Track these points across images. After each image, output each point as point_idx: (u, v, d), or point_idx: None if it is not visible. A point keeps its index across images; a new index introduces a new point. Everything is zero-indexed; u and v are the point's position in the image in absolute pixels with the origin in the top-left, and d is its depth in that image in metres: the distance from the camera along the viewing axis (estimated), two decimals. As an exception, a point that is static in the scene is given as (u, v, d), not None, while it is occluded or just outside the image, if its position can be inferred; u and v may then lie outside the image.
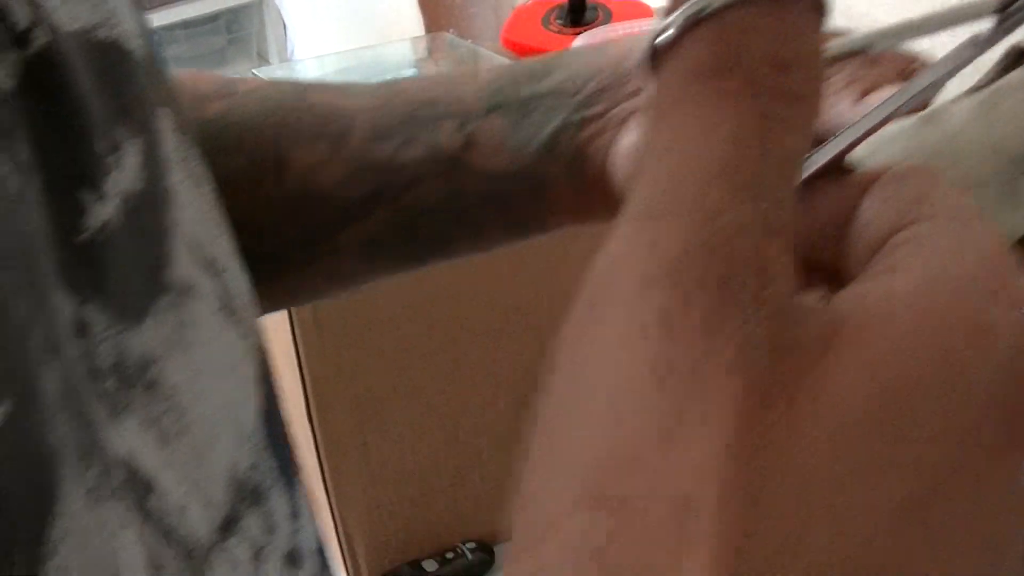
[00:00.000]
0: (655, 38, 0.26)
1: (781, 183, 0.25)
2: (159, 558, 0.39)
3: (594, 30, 1.88)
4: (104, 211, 0.40)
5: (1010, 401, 0.24)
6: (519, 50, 1.88)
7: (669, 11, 0.26)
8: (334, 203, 0.62)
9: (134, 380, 0.40)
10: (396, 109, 0.62)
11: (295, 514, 0.49)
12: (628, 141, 0.57)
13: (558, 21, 1.98)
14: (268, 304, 0.63)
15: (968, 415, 0.23)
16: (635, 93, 0.57)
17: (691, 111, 0.25)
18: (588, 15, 1.99)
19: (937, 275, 0.25)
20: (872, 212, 0.27)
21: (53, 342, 0.36)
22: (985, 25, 0.31)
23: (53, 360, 0.35)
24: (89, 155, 0.40)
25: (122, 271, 0.40)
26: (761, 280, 0.23)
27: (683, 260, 0.24)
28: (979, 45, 0.30)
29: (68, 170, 0.39)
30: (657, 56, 0.26)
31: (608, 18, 1.97)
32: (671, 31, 0.26)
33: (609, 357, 0.24)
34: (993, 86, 0.39)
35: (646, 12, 2.02)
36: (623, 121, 0.58)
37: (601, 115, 0.58)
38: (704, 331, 0.23)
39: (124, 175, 0.41)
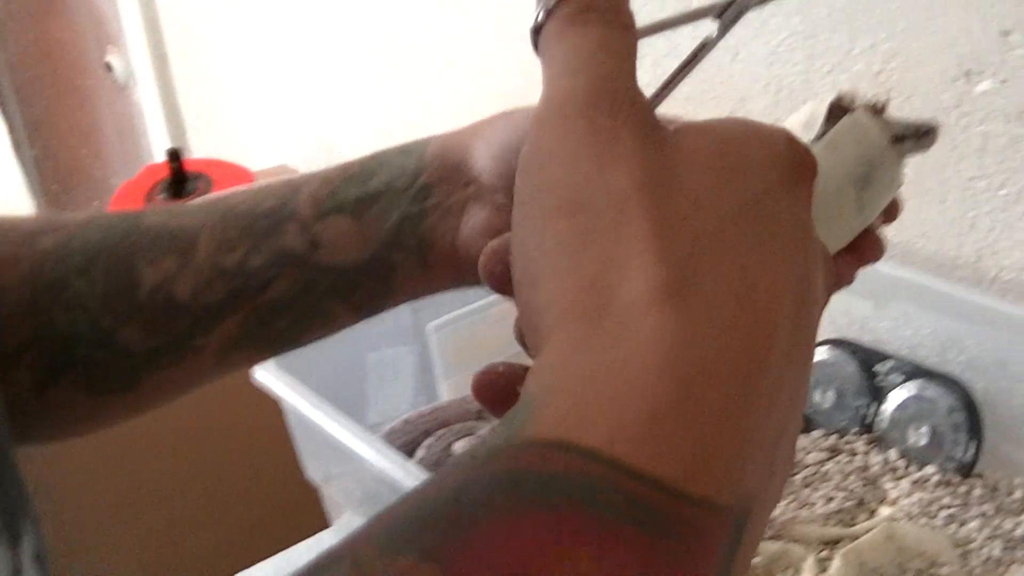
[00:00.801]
0: (535, 26, 0.45)
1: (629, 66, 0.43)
2: None
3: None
4: None
5: (781, 166, 0.42)
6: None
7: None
8: (190, 312, 0.67)
9: None
10: (236, 221, 0.67)
11: (17, 570, 0.54)
12: (474, 224, 0.66)
13: (161, 195, 2.08)
14: (129, 410, 0.73)
15: (758, 164, 0.42)
16: (468, 183, 0.66)
17: (570, 38, 0.44)
18: (190, 185, 2.10)
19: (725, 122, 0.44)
20: None
21: None
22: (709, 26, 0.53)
23: None
24: None
25: None
26: (632, 98, 0.42)
27: (590, 97, 0.42)
28: (710, 44, 0.52)
29: None
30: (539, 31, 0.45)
31: (209, 187, 2.10)
32: (541, 15, 0.45)
33: (559, 142, 0.41)
34: (829, 134, 0.57)
35: (246, 176, 2.12)
36: (463, 208, 0.66)
37: (440, 205, 0.65)
38: (610, 119, 0.41)
39: None
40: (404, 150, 0.69)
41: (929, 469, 1.32)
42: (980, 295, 1.29)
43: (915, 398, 1.33)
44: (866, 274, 1.29)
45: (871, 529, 1.22)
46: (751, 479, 0.37)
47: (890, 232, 1.47)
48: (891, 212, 0.64)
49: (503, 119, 0.67)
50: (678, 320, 0.37)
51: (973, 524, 1.24)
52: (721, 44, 0.53)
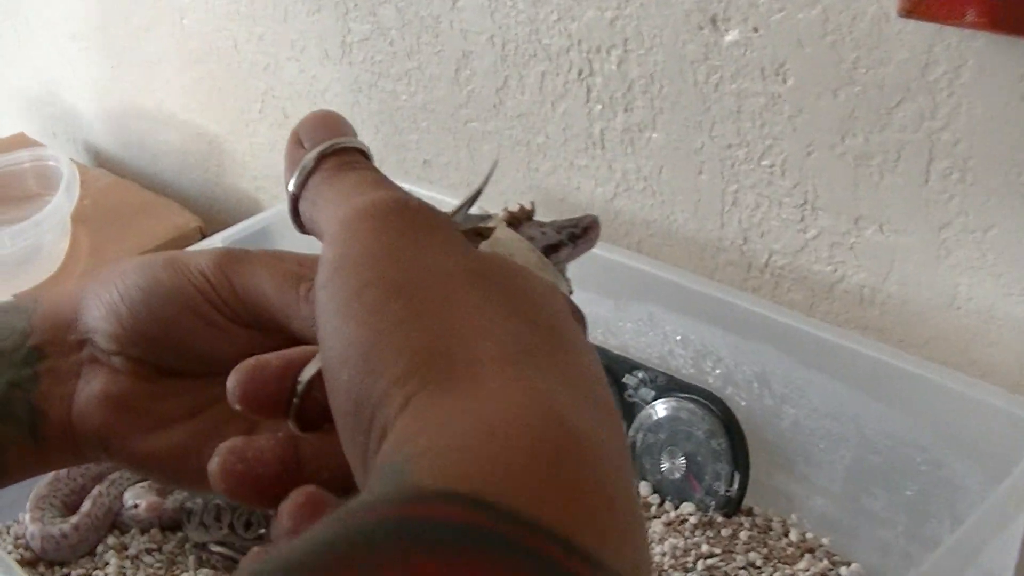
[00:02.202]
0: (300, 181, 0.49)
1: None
2: None
3: None
4: None
5: (567, 305, 0.46)
6: None
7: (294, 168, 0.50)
8: None
9: None
10: None
11: None
12: (90, 391, 0.58)
13: None
14: None
15: (551, 293, 0.45)
16: (81, 344, 0.59)
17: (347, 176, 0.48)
18: None
19: None
20: None
21: None
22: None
23: None
24: None
25: None
26: (434, 208, 0.45)
27: (398, 202, 0.45)
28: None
29: None
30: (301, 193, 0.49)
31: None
32: (301, 178, 0.49)
33: (377, 239, 0.42)
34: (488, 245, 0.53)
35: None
36: (77, 373, 0.59)
37: (53, 370, 0.58)
38: (423, 217, 0.44)
39: None
40: (15, 307, 0.62)
41: (687, 507, 1.08)
42: (733, 295, 1.05)
43: (670, 419, 1.09)
44: (606, 266, 1.04)
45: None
46: (640, 547, 0.37)
47: (643, 211, 1.26)
48: None
49: (115, 271, 0.60)
50: (523, 377, 0.37)
51: (736, 579, 1.00)
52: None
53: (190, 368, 0.59)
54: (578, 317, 0.47)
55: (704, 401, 1.07)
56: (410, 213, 0.44)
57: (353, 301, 0.40)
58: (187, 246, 1.28)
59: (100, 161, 2.11)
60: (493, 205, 1.39)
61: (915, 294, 1.04)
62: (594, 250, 1.14)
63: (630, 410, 1.12)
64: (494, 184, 1.39)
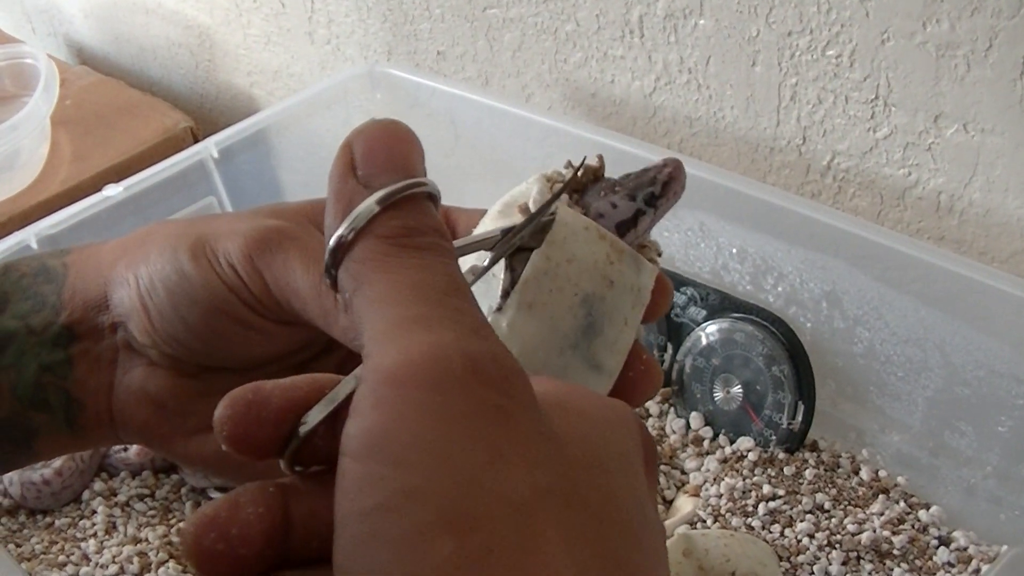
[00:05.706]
0: (338, 244, 0.37)
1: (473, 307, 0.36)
2: None
3: None
4: None
5: (639, 456, 0.38)
6: None
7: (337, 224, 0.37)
8: None
9: None
10: None
11: None
12: (129, 383, 0.54)
13: None
14: None
15: (627, 456, 0.37)
16: (115, 326, 0.54)
17: (402, 271, 0.36)
18: None
19: None
20: None
21: None
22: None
23: None
24: None
25: None
26: (513, 364, 0.34)
27: (468, 362, 0.33)
28: (483, 269, 0.47)
29: None
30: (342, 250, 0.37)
31: None
32: (349, 232, 0.37)
33: (432, 426, 0.31)
34: (513, 295, 0.47)
35: None
36: (113, 360, 0.54)
37: (88, 353, 0.54)
38: (501, 397, 0.33)
39: None
40: (46, 272, 0.56)
41: (744, 442, 0.97)
42: (798, 202, 0.93)
43: (723, 343, 0.97)
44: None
45: (663, 541, 0.87)
46: None
47: (687, 107, 1.14)
48: (654, 310, 0.52)
49: (140, 247, 0.54)
50: None
51: (803, 525, 0.89)
52: None
53: (233, 364, 0.54)
54: (650, 467, 0.39)
55: (763, 322, 0.95)
56: (481, 387, 0.32)
57: (386, 516, 0.30)
58: (178, 149, 1.17)
59: (83, 58, 1.98)
60: (515, 100, 1.26)
61: (1001, 202, 0.92)
62: (630, 150, 1.03)
63: (677, 332, 1.00)
64: (514, 77, 1.26)
